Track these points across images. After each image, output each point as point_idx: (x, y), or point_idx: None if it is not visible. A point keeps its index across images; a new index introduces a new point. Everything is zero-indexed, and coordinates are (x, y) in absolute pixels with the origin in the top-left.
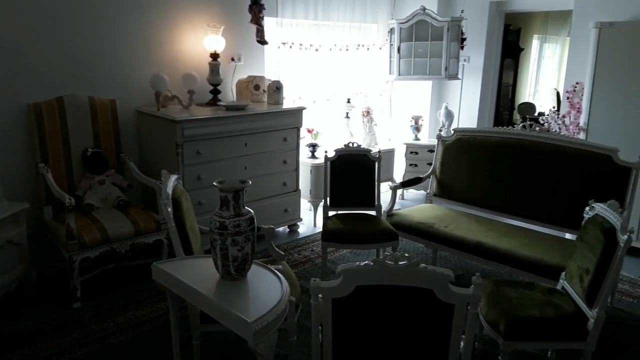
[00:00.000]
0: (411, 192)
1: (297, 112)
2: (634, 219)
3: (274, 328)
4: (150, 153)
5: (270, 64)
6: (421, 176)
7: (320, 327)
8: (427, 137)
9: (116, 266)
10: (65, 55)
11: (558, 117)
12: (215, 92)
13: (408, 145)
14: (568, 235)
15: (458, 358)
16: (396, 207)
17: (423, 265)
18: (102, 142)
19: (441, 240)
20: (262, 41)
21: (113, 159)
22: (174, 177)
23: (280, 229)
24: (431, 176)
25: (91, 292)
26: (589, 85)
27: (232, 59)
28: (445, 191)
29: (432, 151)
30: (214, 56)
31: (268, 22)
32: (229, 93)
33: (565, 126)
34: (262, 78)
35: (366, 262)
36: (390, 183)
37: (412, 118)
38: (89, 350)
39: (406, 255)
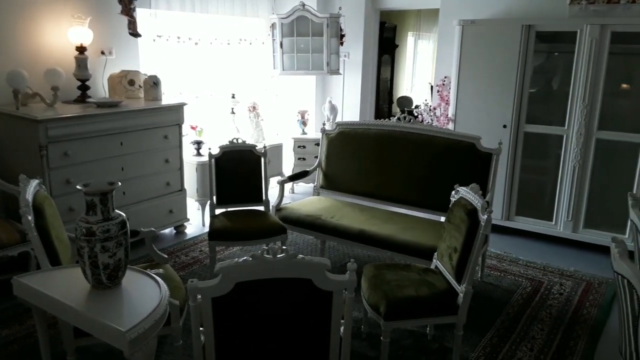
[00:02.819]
0: (301, 186)
1: (177, 108)
2: (498, 200)
3: (151, 335)
4: (10, 157)
5: (146, 58)
6: (308, 169)
7: (202, 328)
8: (314, 131)
9: None
10: None
11: (430, 110)
12: (84, 88)
13: (296, 140)
14: (443, 219)
15: (339, 342)
16: (287, 201)
17: (301, 256)
18: None
19: (328, 231)
20: (135, 33)
21: None
22: (34, 182)
23: (166, 230)
24: (317, 169)
25: None
26: (455, 79)
27: (102, 53)
28: (331, 183)
29: (318, 144)
30: (81, 49)
31: (141, 13)
32: (100, 89)
33: (437, 117)
34: (136, 73)
35: (244, 257)
36: (279, 177)
37: (299, 112)
38: None
39: (284, 247)
